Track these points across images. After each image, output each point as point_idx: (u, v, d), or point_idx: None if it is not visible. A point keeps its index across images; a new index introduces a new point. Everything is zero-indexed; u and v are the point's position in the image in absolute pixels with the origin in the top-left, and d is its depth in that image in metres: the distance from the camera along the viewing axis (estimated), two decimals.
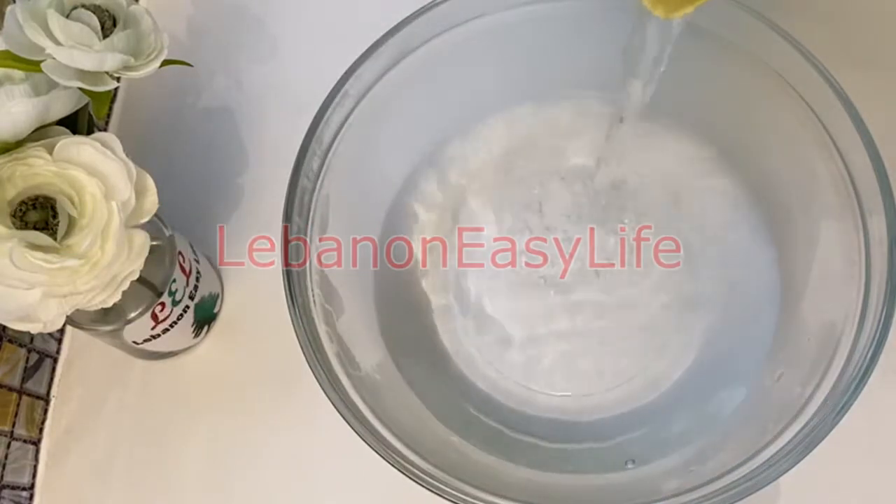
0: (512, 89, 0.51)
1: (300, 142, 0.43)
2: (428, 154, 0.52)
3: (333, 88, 0.44)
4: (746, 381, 0.46)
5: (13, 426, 0.49)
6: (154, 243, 0.44)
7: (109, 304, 0.39)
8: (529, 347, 0.49)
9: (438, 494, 0.38)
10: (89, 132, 0.41)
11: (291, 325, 0.41)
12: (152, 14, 0.41)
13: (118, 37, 0.38)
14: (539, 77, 0.51)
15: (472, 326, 0.50)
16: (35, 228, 0.36)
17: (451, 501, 0.38)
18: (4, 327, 0.48)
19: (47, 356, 0.52)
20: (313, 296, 0.43)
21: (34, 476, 0.51)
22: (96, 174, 0.37)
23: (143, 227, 0.39)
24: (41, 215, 0.37)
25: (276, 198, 0.43)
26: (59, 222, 0.36)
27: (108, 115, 0.59)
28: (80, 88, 0.38)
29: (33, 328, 0.37)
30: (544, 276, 0.50)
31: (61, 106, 0.38)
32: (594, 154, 0.52)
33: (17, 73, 0.38)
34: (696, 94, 0.49)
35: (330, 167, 0.45)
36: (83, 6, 0.39)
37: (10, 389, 0.49)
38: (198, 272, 0.49)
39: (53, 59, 0.37)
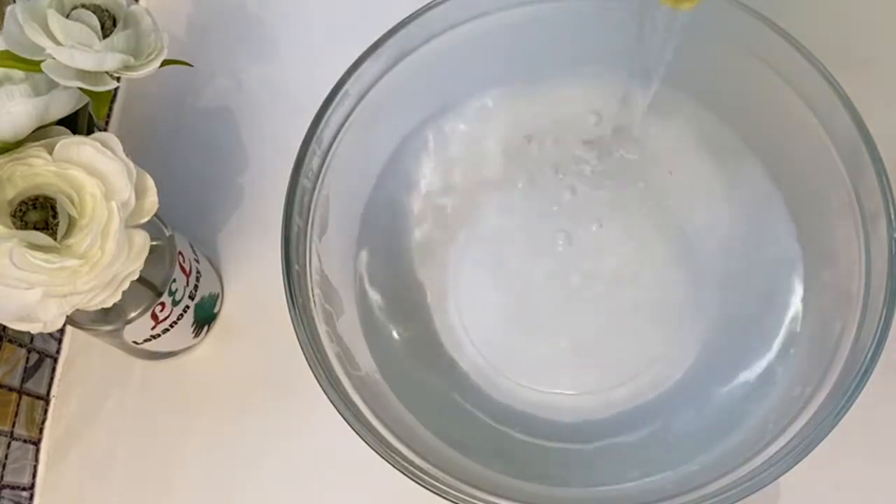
0: (513, 87, 0.51)
1: (300, 142, 0.43)
2: (428, 153, 0.52)
3: (333, 88, 0.44)
4: (747, 380, 0.46)
5: (13, 426, 0.49)
6: (154, 243, 0.44)
7: (109, 304, 0.39)
8: (529, 344, 0.49)
9: (438, 494, 0.38)
10: (89, 132, 0.41)
11: (291, 325, 0.41)
12: (152, 14, 0.41)
13: (118, 37, 0.38)
14: (541, 76, 0.51)
15: (469, 324, 0.50)
16: (35, 228, 0.36)
17: (451, 501, 0.38)
18: (4, 327, 0.48)
19: (47, 356, 0.52)
20: (313, 296, 0.43)
21: (34, 476, 0.51)
22: (96, 174, 0.37)
23: (143, 227, 0.39)
24: (41, 215, 0.37)
25: (276, 198, 0.43)
26: (59, 222, 0.36)
27: (108, 115, 0.59)
28: (80, 88, 0.38)
29: (33, 328, 0.37)
30: (546, 270, 0.50)
31: (61, 106, 0.38)
32: (598, 149, 0.52)
33: (17, 73, 0.38)
34: (696, 93, 0.49)
35: (330, 167, 0.45)
36: (83, 6, 0.39)
37: (10, 389, 0.49)
38: (198, 272, 0.49)
39: (53, 59, 0.37)
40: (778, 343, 0.46)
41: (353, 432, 0.39)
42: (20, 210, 0.37)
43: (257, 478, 0.50)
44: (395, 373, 0.46)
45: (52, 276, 0.36)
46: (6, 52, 0.38)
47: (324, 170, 0.45)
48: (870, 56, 0.54)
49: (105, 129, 0.57)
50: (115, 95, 0.59)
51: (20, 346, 0.50)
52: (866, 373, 0.38)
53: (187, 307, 0.49)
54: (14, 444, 0.49)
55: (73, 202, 0.37)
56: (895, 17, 0.56)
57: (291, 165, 0.43)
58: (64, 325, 0.39)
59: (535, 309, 0.50)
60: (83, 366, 0.53)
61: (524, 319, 0.50)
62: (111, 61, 0.38)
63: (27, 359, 0.51)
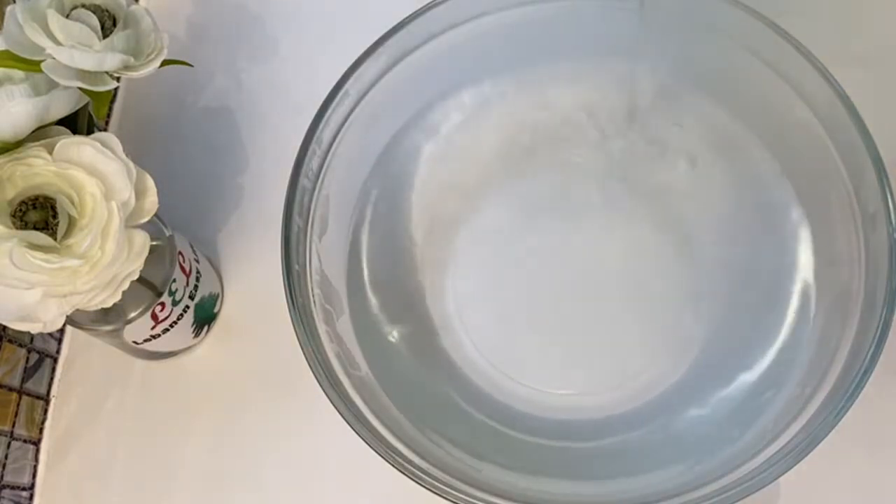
0: (513, 87, 0.51)
1: (300, 142, 0.43)
2: (428, 152, 0.52)
3: (333, 88, 0.44)
4: (747, 381, 0.46)
5: (13, 426, 0.49)
6: (154, 243, 0.44)
7: (109, 304, 0.39)
8: (529, 343, 0.49)
9: (438, 494, 0.38)
10: (89, 132, 0.41)
11: (291, 325, 0.41)
12: (152, 14, 0.41)
13: (118, 37, 0.38)
14: (542, 75, 0.51)
15: (469, 323, 0.50)
16: (35, 228, 0.36)
17: (452, 501, 0.38)
18: (4, 327, 0.48)
19: (47, 356, 0.52)
20: (313, 296, 0.43)
21: (34, 476, 0.51)
22: (96, 174, 0.37)
23: (143, 227, 0.39)
24: (41, 215, 0.37)
25: (276, 198, 0.43)
26: (59, 222, 0.36)
27: (108, 115, 0.59)
28: (80, 88, 0.38)
29: (33, 328, 0.37)
30: (546, 268, 0.50)
31: (61, 106, 0.38)
32: (599, 148, 0.52)
33: (17, 73, 0.38)
34: (697, 91, 0.49)
35: (330, 167, 0.45)
36: (83, 6, 0.39)
37: (10, 389, 0.49)
38: (198, 272, 0.49)
39: (53, 59, 0.37)
40: (778, 343, 0.46)
41: (353, 432, 0.39)
42: (20, 210, 0.37)
43: (257, 477, 0.50)
44: (394, 373, 0.46)
45: (52, 276, 0.36)
46: (6, 52, 0.38)
47: (324, 170, 0.45)
48: (870, 56, 0.54)
49: (105, 129, 0.57)
50: (115, 95, 0.59)
51: (20, 346, 0.50)
52: (866, 373, 0.38)
53: (187, 307, 0.49)
54: (14, 444, 0.49)
55: (73, 202, 0.37)
56: (895, 17, 0.56)
57: (291, 165, 0.43)
58: (64, 325, 0.39)
59: (535, 308, 0.50)
60: (83, 366, 0.53)
61: (524, 318, 0.50)
62: (111, 61, 0.38)
63: (27, 359, 0.51)
